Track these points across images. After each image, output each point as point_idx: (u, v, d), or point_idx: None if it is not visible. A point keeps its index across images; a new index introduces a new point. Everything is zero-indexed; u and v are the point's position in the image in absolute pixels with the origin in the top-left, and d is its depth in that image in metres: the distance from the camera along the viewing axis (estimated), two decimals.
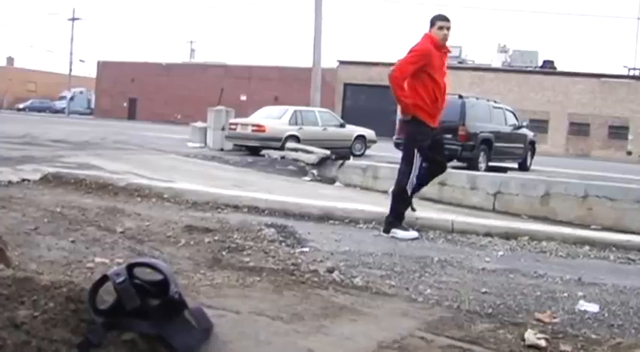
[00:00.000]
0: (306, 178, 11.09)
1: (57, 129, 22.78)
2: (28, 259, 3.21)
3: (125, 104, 51.38)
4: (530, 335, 2.52)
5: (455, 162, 12.94)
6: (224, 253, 3.80)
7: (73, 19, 53.11)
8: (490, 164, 14.18)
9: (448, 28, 5.01)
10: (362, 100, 41.05)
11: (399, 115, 6.06)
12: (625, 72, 41.58)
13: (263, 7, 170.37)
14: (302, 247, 4.16)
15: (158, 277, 2.18)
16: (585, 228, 6.31)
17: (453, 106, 11.80)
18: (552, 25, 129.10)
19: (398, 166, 5.28)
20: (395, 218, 4.95)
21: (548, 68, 40.87)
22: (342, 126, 18.20)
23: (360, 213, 5.44)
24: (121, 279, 2.10)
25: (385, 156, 15.92)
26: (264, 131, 15.82)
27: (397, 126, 15.96)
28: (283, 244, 4.19)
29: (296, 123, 16.59)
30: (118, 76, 50.64)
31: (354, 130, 18.56)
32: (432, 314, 2.84)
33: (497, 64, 44.09)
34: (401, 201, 5.04)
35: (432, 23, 5.02)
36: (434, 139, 5.12)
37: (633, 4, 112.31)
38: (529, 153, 16.60)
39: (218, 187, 6.87)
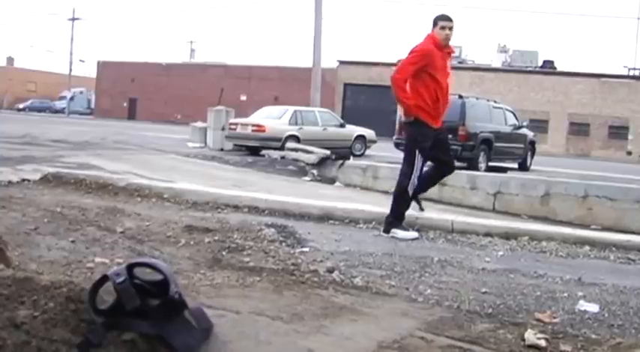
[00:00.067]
0: (306, 178, 11.10)
1: (57, 129, 22.78)
2: (28, 259, 3.21)
3: (125, 104, 51.40)
4: (530, 335, 2.52)
5: (455, 162, 12.94)
6: (224, 253, 3.80)
7: (73, 19, 53.14)
8: (490, 164, 14.18)
9: (450, 28, 4.99)
10: (362, 100, 41.06)
11: (399, 116, 6.07)
12: (625, 72, 41.61)
13: (263, 7, 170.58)
14: (302, 247, 4.16)
15: (158, 277, 2.18)
16: (585, 228, 6.31)
17: (453, 106, 11.73)
18: (552, 25, 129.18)
19: (397, 166, 5.29)
20: (395, 218, 4.95)
21: (548, 68, 40.87)
22: (342, 126, 18.20)
23: (360, 213, 5.44)
24: (121, 279, 2.10)
25: (385, 156, 15.92)
26: (264, 131, 15.82)
27: (397, 126, 16.01)
28: (283, 244, 4.19)
29: (296, 123, 16.59)
30: (118, 76, 50.65)
31: (354, 130, 18.56)
32: (432, 314, 2.84)
33: (497, 64, 44.10)
34: (401, 201, 5.04)
35: (435, 23, 5.01)
36: (437, 139, 5.09)
37: (633, 4, 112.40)
38: (529, 153, 16.60)
39: (218, 187, 6.87)
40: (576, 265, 4.14)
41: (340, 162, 11.60)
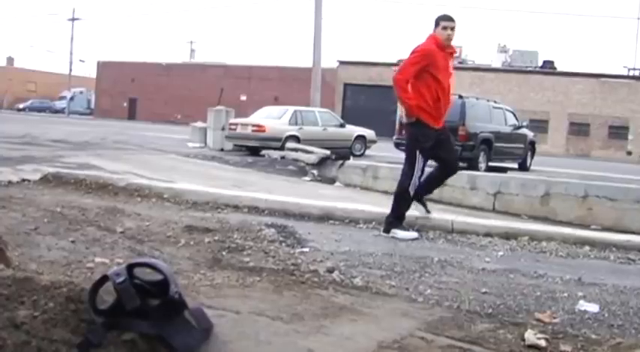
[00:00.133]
0: (306, 178, 11.10)
1: (57, 129, 22.78)
2: (28, 259, 3.21)
3: (125, 104, 51.40)
4: (530, 335, 2.52)
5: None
6: (224, 253, 3.80)
7: (73, 19, 53.13)
8: (490, 164, 14.19)
9: (452, 28, 4.98)
10: (362, 100, 41.07)
11: (399, 116, 6.07)
12: (625, 72, 41.63)
13: (263, 7, 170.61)
14: (302, 247, 4.16)
15: (158, 277, 2.18)
16: (585, 228, 6.31)
17: (453, 106, 11.65)
18: (552, 25, 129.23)
19: (397, 166, 5.29)
20: (395, 218, 4.95)
21: (548, 68, 40.88)
22: (342, 126, 18.20)
23: (360, 213, 5.44)
24: (121, 279, 2.10)
25: (385, 156, 15.93)
26: (264, 131, 15.82)
27: (397, 126, 16.01)
28: (283, 244, 4.19)
29: (296, 124, 16.59)
30: (118, 76, 50.65)
31: (354, 130, 18.56)
32: (432, 314, 2.84)
33: (498, 64, 44.12)
34: (402, 201, 5.04)
35: (437, 23, 5.01)
36: (439, 139, 5.07)
37: (633, 4, 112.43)
38: (529, 154, 16.61)
39: (218, 187, 6.87)
40: (576, 265, 4.14)
41: (340, 162, 11.60)
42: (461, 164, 13.02)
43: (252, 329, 2.42)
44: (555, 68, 40.95)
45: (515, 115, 16.34)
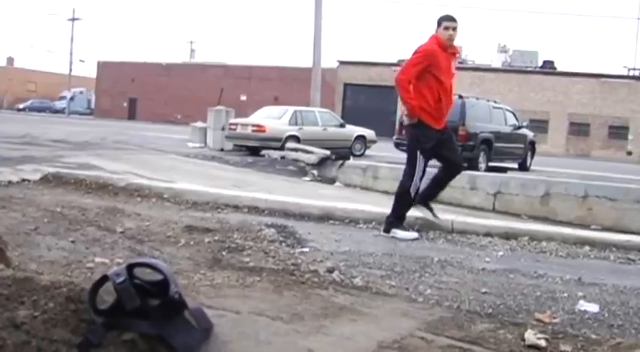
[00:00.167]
0: (306, 178, 11.10)
1: (57, 129, 22.79)
2: (28, 259, 3.21)
3: (125, 104, 51.39)
4: (530, 336, 2.52)
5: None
6: (224, 253, 3.80)
7: (73, 19, 53.12)
8: (490, 164, 14.19)
9: (454, 29, 4.98)
10: (362, 100, 41.07)
11: (399, 116, 6.05)
12: (625, 72, 41.63)
13: (263, 7, 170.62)
14: (302, 247, 4.16)
15: (158, 277, 2.18)
16: (585, 228, 6.31)
17: (453, 106, 11.77)
18: (552, 25, 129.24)
19: (397, 166, 5.28)
20: (396, 218, 4.95)
21: (548, 68, 40.89)
22: (342, 126, 18.21)
23: (360, 213, 5.44)
24: (121, 279, 2.10)
25: (385, 156, 15.93)
26: (264, 131, 15.82)
27: (397, 126, 16.00)
28: (283, 244, 4.19)
29: (296, 124, 16.59)
30: (118, 76, 50.65)
31: (354, 130, 18.56)
32: (432, 314, 2.84)
33: (498, 64, 44.13)
34: (403, 201, 5.03)
35: (439, 23, 5.00)
36: (441, 139, 5.05)
37: (633, 4, 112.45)
38: (529, 154, 16.61)
39: (218, 187, 6.87)
40: (576, 265, 4.14)
41: (340, 162, 11.59)
42: None
43: (252, 329, 2.42)
44: (555, 68, 40.96)
45: (515, 115, 16.34)
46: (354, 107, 40.48)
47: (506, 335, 2.59)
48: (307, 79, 23.48)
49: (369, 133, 18.80)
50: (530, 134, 16.90)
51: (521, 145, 15.95)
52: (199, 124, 18.19)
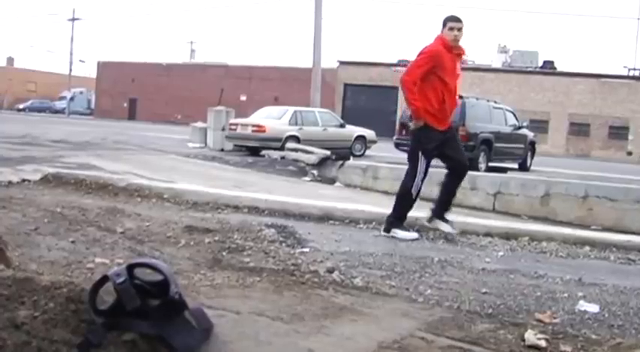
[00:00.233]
0: (306, 178, 11.10)
1: (57, 129, 22.79)
2: (29, 259, 3.21)
3: (125, 104, 51.40)
4: (531, 336, 2.52)
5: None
6: (224, 253, 3.80)
7: (73, 19, 53.16)
8: (490, 164, 14.20)
9: (459, 29, 4.97)
10: (362, 100, 41.07)
11: (400, 117, 6.04)
12: (625, 72, 41.63)
13: (263, 7, 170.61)
14: (302, 247, 4.16)
15: (158, 277, 2.18)
16: (585, 229, 6.31)
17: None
18: (552, 25, 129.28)
19: (397, 166, 5.27)
20: (396, 218, 4.94)
21: (548, 68, 40.88)
22: (342, 126, 18.21)
23: (360, 213, 5.43)
24: (121, 280, 2.10)
25: (385, 156, 15.93)
26: (264, 131, 15.83)
27: (397, 126, 16.01)
28: (283, 244, 4.19)
29: (296, 124, 16.60)
30: (118, 76, 50.65)
31: (354, 131, 18.57)
32: (433, 314, 2.84)
33: (498, 65, 44.10)
34: (404, 202, 5.02)
35: (444, 24, 4.99)
36: (445, 139, 5.02)
37: (633, 4, 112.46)
38: (529, 154, 16.62)
39: (218, 187, 6.87)
40: (576, 265, 4.14)
41: (340, 162, 11.61)
42: None
43: (252, 330, 2.42)
44: (555, 68, 40.95)
45: (515, 115, 16.35)
46: (354, 107, 40.48)
47: (507, 335, 2.59)
48: (307, 79, 23.49)
49: (369, 133, 18.80)
50: (530, 134, 16.91)
51: (522, 145, 15.96)
52: (199, 124, 18.20)
